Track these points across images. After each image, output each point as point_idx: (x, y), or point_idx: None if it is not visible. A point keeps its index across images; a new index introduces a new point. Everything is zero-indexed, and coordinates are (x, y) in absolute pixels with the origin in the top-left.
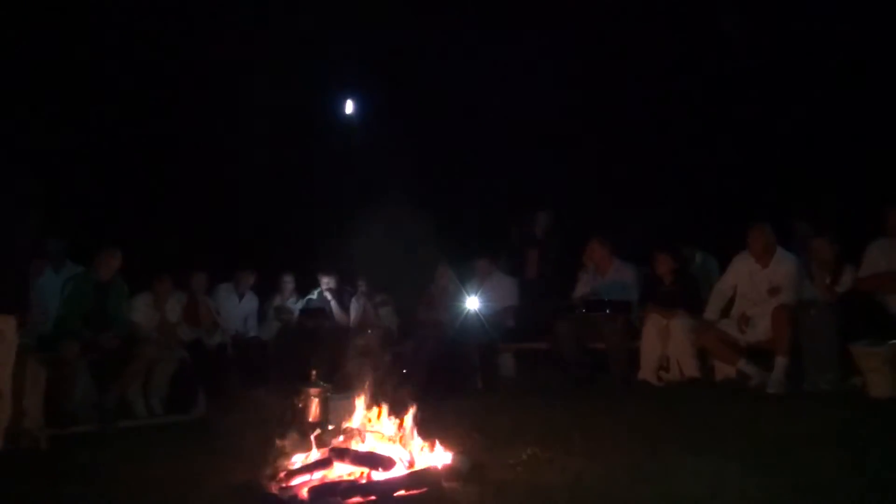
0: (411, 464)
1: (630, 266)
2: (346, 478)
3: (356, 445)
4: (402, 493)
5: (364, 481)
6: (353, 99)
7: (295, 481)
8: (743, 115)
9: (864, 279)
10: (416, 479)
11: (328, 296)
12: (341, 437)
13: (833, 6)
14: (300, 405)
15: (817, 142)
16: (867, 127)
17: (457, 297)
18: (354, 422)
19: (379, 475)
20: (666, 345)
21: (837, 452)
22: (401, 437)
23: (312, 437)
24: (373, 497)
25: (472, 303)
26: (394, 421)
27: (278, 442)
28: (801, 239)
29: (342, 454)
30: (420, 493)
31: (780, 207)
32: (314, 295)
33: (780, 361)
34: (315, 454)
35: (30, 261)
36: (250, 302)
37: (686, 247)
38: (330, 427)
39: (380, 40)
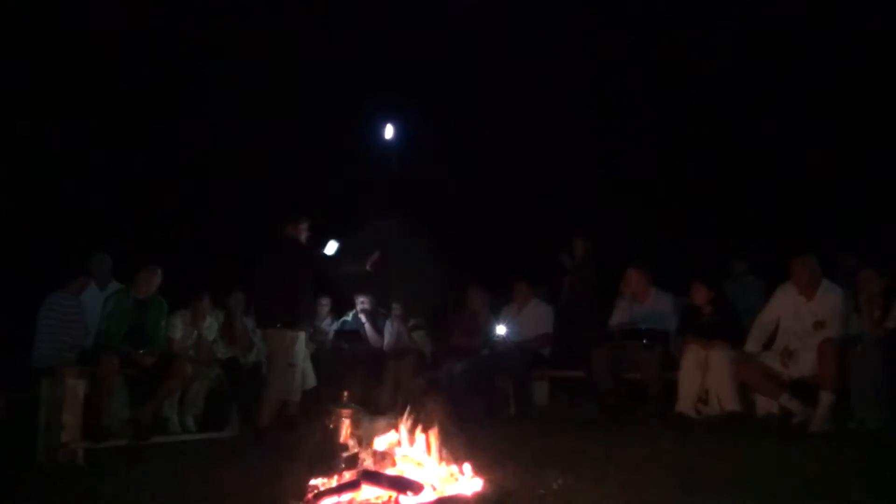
0: (440, 490)
1: (668, 295)
2: (374, 501)
3: (386, 469)
4: None
5: None
6: (392, 124)
7: (323, 502)
8: (788, 143)
9: None
10: None
11: (362, 318)
12: (371, 460)
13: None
14: (331, 426)
15: (865, 171)
16: None
17: (490, 323)
18: (385, 445)
19: (407, 500)
20: (705, 377)
21: (885, 495)
22: (431, 463)
23: (342, 459)
24: None
25: (506, 329)
26: (424, 445)
27: (307, 463)
28: (847, 271)
29: (371, 477)
30: None
31: (826, 237)
32: (349, 317)
33: (826, 397)
34: (344, 476)
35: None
36: None
37: (736, 263)
38: (360, 449)
39: (418, 69)
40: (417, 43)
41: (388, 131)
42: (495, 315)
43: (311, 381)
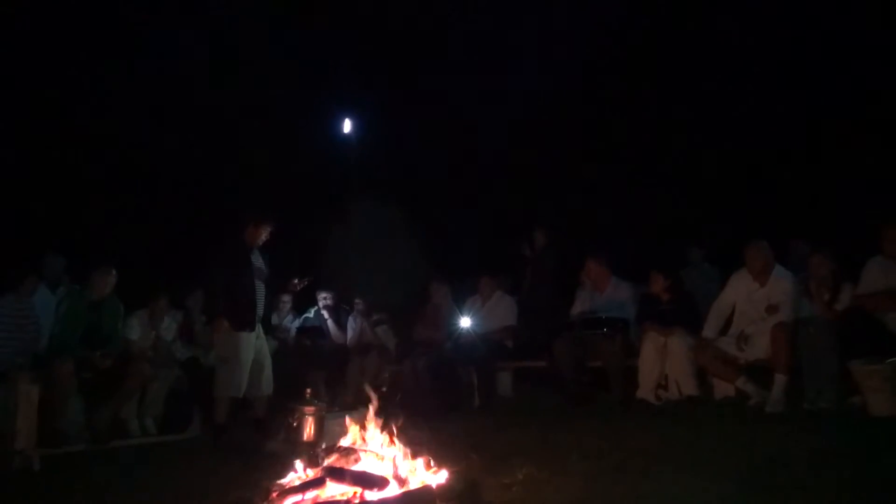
0: (405, 483)
1: (627, 284)
2: (339, 498)
3: (350, 465)
4: None
5: (357, 501)
6: (350, 118)
7: (287, 501)
8: (741, 131)
9: (862, 297)
10: (410, 499)
11: (325, 314)
12: (335, 456)
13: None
14: (295, 424)
15: (816, 158)
16: (865, 143)
17: (453, 316)
18: (348, 441)
19: (372, 495)
20: (664, 363)
21: (838, 472)
22: (395, 457)
23: (306, 456)
24: None
25: (469, 321)
26: (389, 440)
27: (272, 460)
28: (798, 256)
29: (335, 474)
30: None
31: (778, 224)
32: (311, 313)
33: (780, 379)
34: (308, 473)
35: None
36: None
37: (693, 251)
38: (324, 446)
39: (379, 57)
40: (379, 34)
41: (346, 125)
42: (459, 308)
43: (267, 386)
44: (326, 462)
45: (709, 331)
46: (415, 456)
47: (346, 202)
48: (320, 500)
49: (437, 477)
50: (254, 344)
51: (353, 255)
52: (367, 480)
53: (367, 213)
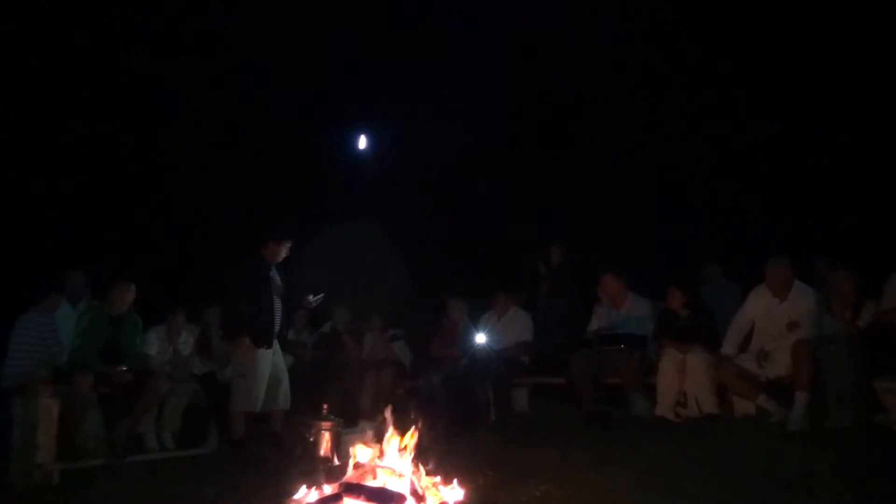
0: (422, 500)
1: (645, 300)
2: None
3: (367, 481)
4: None
5: None
6: (365, 134)
7: None
8: (762, 147)
9: (885, 313)
10: None
11: (341, 329)
12: (351, 472)
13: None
14: (311, 439)
15: (838, 175)
16: (887, 159)
17: (469, 332)
18: (365, 457)
19: None
20: (683, 380)
21: (862, 491)
22: (412, 473)
23: (323, 472)
24: None
25: (485, 337)
26: (406, 456)
27: (290, 476)
28: (819, 272)
29: (352, 490)
30: None
31: (798, 239)
32: (326, 328)
33: (801, 397)
34: (325, 489)
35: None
36: None
37: (711, 267)
38: (340, 461)
39: (392, 75)
40: (391, 48)
41: (362, 142)
42: (475, 324)
43: (284, 401)
44: (343, 477)
45: (728, 347)
46: (432, 472)
47: (361, 217)
48: None
49: (454, 493)
50: (271, 359)
51: (365, 269)
52: (384, 496)
53: (380, 228)
